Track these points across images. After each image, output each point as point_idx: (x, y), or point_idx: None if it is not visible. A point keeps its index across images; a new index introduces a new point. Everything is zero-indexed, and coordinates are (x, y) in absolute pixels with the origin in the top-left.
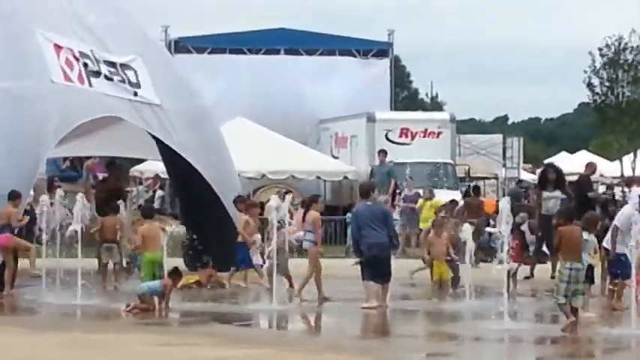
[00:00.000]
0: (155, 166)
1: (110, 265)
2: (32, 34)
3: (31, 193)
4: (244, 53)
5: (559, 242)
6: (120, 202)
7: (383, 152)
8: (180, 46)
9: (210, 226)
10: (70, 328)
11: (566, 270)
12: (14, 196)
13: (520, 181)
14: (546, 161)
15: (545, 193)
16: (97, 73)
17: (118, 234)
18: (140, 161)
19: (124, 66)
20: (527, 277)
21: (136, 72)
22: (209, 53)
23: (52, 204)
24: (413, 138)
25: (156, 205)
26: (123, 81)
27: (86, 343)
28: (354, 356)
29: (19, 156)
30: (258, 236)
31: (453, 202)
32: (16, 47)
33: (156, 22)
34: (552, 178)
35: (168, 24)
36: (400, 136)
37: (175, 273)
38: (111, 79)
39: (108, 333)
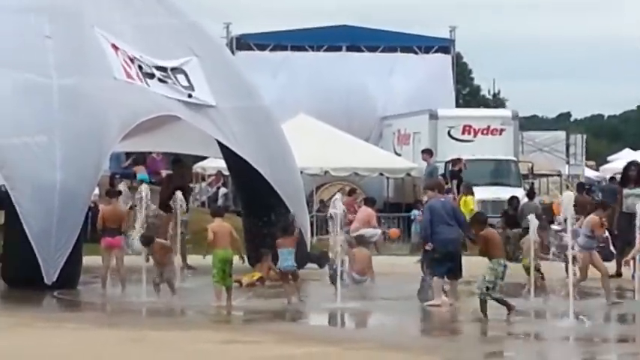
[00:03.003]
0: (217, 163)
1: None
2: (92, 32)
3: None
4: (306, 50)
5: None
6: (181, 200)
7: (427, 152)
8: (241, 43)
9: (270, 223)
10: (134, 325)
11: None
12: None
13: (612, 179)
14: (609, 158)
15: (626, 191)
16: (152, 75)
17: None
18: (202, 158)
19: (175, 70)
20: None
21: (187, 75)
22: (271, 50)
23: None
24: (475, 135)
25: (220, 202)
26: (175, 84)
27: (150, 340)
28: (418, 355)
29: (84, 152)
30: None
31: (514, 199)
32: (77, 44)
33: (218, 19)
34: (633, 175)
35: (230, 21)
36: (463, 133)
37: None
38: (165, 82)
39: (172, 330)
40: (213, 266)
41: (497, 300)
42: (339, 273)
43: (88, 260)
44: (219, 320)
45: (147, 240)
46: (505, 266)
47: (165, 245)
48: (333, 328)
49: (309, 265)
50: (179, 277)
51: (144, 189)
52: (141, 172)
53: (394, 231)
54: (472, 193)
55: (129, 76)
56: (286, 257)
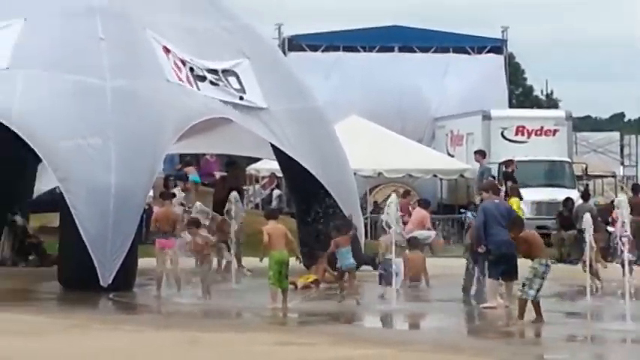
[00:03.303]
0: (271, 165)
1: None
2: (143, 35)
3: (151, 192)
4: (358, 51)
5: None
6: (236, 199)
7: (480, 153)
8: (293, 44)
9: (324, 224)
10: (190, 327)
11: None
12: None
13: None
14: None
15: None
16: (203, 78)
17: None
18: (256, 160)
19: (226, 72)
20: None
21: (238, 77)
22: (323, 51)
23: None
24: (529, 136)
25: (274, 204)
26: (227, 86)
27: (206, 341)
28: (472, 357)
29: (139, 154)
30: None
31: (569, 200)
32: (130, 46)
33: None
34: None
35: (282, 22)
36: (516, 134)
37: None
38: (216, 85)
39: (227, 332)
40: (269, 268)
41: (532, 301)
42: (394, 275)
43: (143, 262)
44: (275, 322)
45: (194, 222)
46: (547, 266)
47: (207, 240)
48: (387, 329)
49: (364, 266)
50: (234, 278)
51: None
52: (192, 173)
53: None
54: (519, 196)
55: (179, 79)
56: (345, 256)
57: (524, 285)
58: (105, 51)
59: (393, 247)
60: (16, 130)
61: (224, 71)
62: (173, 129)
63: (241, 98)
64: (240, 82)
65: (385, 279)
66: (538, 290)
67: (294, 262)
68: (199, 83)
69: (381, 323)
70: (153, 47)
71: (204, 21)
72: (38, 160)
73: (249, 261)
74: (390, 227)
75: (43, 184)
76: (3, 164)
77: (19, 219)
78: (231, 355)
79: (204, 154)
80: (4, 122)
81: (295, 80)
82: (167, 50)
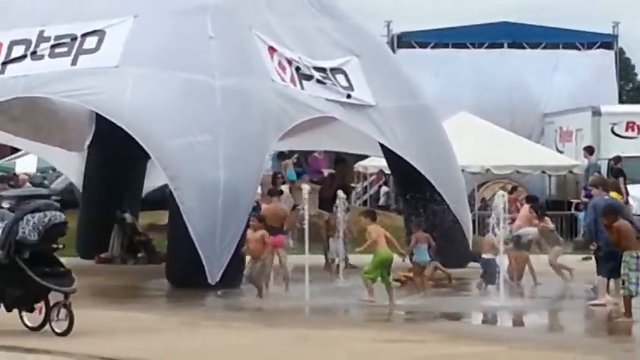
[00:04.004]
0: (379, 162)
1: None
2: (250, 34)
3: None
4: (467, 48)
5: None
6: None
7: (588, 149)
8: (402, 41)
9: (432, 220)
10: (298, 324)
11: None
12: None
13: None
14: None
15: None
16: (309, 77)
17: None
18: (364, 157)
19: (335, 70)
20: None
21: (346, 75)
22: (432, 48)
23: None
24: (639, 132)
25: (381, 201)
26: (334, 85)
27: (315, 338)
28: (583, 355)
29: (247, 151)
30: None
31: None
32: (238, 45)
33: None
34: None
35: (391, 19)
36: (626, 130)
37: None
38: (323, 83)
39: (335, 329)
40: (372, 265)
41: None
42: (501, 272)
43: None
44: (382, 319)
45: (260, 217)
46: (638, 257)
47: (264, 237)
48: (494, 327)
49: (471, 263)
50: (341, 276)
51: (305, 188)
52: (289, 169)
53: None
54: (618, 190)
55: (283, 79)
56: (423, 252)
57: (623, 282)
58: (214, 49)
59: (501, 247)
60: (126, 129)
61: (332, 69)
62: (278, 127)
63: (349, 96)
64: (348, 80)
65: (486, 278)
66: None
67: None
68: (305, 82)
69: (488, 321)
70: (259, 47)
71: (313, 19)
72: (147, 157)
73: (356, 258)
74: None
75: (151, 182)
76: (113, 163)
77: (128, 217)
78: (343, 353)
79: (312, 152)
80: (115, 121)
81: (404, 77)
82: (273, 50)
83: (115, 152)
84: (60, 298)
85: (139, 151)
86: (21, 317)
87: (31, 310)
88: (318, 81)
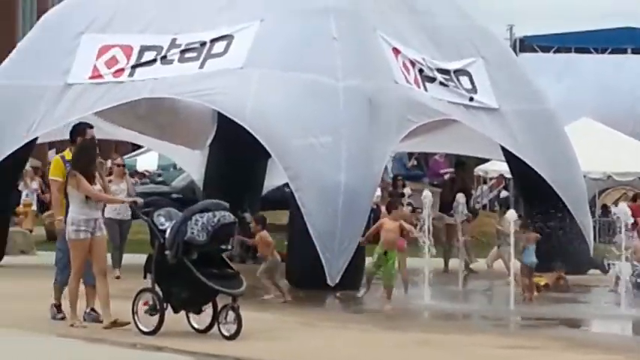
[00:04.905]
0: (499, 166)
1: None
2: (374, 35)
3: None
4: (590, 52)
5: None
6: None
7: None
8: (525, 45)
9: (556, 227)
10: (417, 327)
11: None
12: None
13: None
14: None
15: None
16: (432, 79)
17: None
18: (485, 160)
19: (459, 72)
20: None
21: (471, 77)
22: (554, 52)
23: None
24: None
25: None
26: (457, 87)
27: (435, 342)
28: None
29: (367, 153)
30: None
31: None
32: (361, 46)
33: (501, 21)
34: None
35: (514, 23)
36: None
37: None
38: (446, 85)
39: (455, 333)
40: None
41: None
42: (622, 280)
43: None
44: (501, 325)
45: (257, 219)
46: None
47: (263, 238)
48: (615, 335)
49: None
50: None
51: (428, 194)
52: None
53: None
54: None
55: (407, 81)
56: (532, 253)
57: None
58: (338, 51)
59: (623, 255)
60: (248, 128)
61: (456, 71)
62: (400, 130)
63: (471, 99)
64: (472, 82)
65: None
66: None
67: None
68: (428, 84)
69: (609, 329)
70: (382, 48)
71: (437, 20)
72: (268, 156)
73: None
74: None
75: (271, 181)
76: (234, 161)
77: (248, 216)
78: (459, 358)
79: (433, 154)
80: (238, 120)
81: (528, 81)
82: (397, 51)
83: (236, 151)
84: (228, 300)
85: (260, 150)
86: (188, 319)
87: (199, 312)
88: (441, 83)
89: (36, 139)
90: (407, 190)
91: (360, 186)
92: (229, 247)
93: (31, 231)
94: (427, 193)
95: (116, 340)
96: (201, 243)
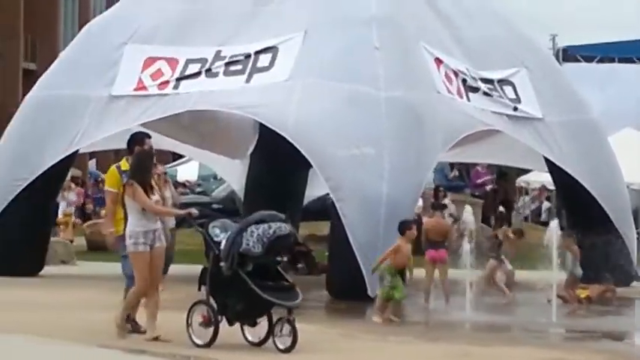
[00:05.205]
0: (542, 177)
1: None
2: (416, 45)
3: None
4: (634, 62)
5: None
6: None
7: None
8: (568, 54)
9: (598, 238)
10: (458, 340)
11: None
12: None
13: None
14: None
15: None
16: (476, 89)
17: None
18: (527, 171)
19: (502, 81)
20: None
21: (514, 87)
22: (597, 62)
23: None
24: None
25: (543, 217)
26: (501, 97)
27: (476, 355)
28: None
29: (409, 164)
30: None
31: None
32: (403, 56)
33: (544, 30)
34: None
35: (557, 32)
36: None
37: None
38: (490, 95)
39: (497, 346)
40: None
41: None
42: None
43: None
44: (544, 337)
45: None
46: None
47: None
48: None
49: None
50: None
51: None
52: None
53: None
54: None
55: (449, 91)
56: (576, 264)
57: None
58: (380, 60)
59: None
60: (291, 140)
61: (500, 81)
62: (442, 141)
63: (515, 109)
64: (516, 92)
65: None
66: None
67: None
68: (471, 94)
69: None
70: (425, 58)
71: (483, 30)
72: (309, 166)
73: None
74: None
75: (312, 191)
76: (275, 171)
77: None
78: None
79: (475, 164)
80: (280, 132)
81: (572, 91)
82: (439, 62)
83: (277, 161)
84: (283, 313)
85: (301, 160)
86: (243, 332)
87: (254, 324)
88: (485, 93)
89: (77, 149)
90: (447, 201)
91: (402, 197)
92: (284, 258)
93: (71, 241)
94: (469, 218)
95: (160, 351)
96: (257, 255)
